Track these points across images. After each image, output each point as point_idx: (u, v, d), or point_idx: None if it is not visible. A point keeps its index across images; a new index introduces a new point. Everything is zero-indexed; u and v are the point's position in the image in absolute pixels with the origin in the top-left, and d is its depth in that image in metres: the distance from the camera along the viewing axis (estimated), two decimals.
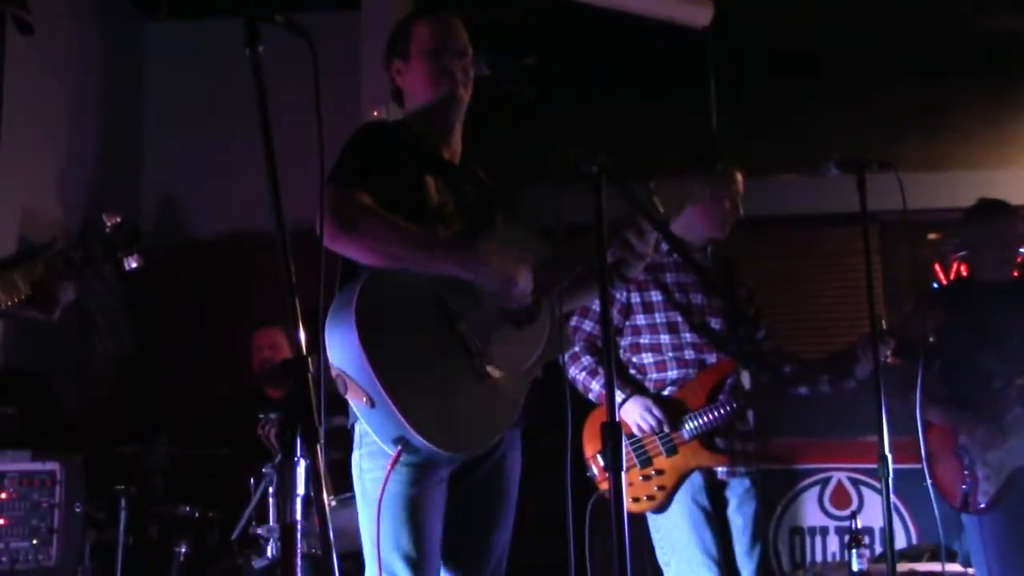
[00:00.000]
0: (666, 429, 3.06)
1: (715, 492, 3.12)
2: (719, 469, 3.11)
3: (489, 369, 2.12)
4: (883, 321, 2.98)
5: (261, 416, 3.74)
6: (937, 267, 5.69)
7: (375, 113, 4.26)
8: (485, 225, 2.32)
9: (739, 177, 3.25)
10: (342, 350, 1.98)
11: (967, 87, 5.80)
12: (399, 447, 2.03)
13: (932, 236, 5.78)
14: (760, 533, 3.15)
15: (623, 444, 3.04)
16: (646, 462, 3.09)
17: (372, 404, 1.98)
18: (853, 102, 5.83)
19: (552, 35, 5.27)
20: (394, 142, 2.28)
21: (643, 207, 2.16)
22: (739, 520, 3.13)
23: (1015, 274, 3.66)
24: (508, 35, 2.41)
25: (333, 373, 2.00)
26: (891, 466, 2.56)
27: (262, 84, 1.47)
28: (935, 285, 5.45)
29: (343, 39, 4.94)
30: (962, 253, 3.90)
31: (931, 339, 3.25)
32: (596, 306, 3.11)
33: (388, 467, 2.07)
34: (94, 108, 5.08)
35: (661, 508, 3.09)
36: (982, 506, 3.46)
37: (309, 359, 1.38)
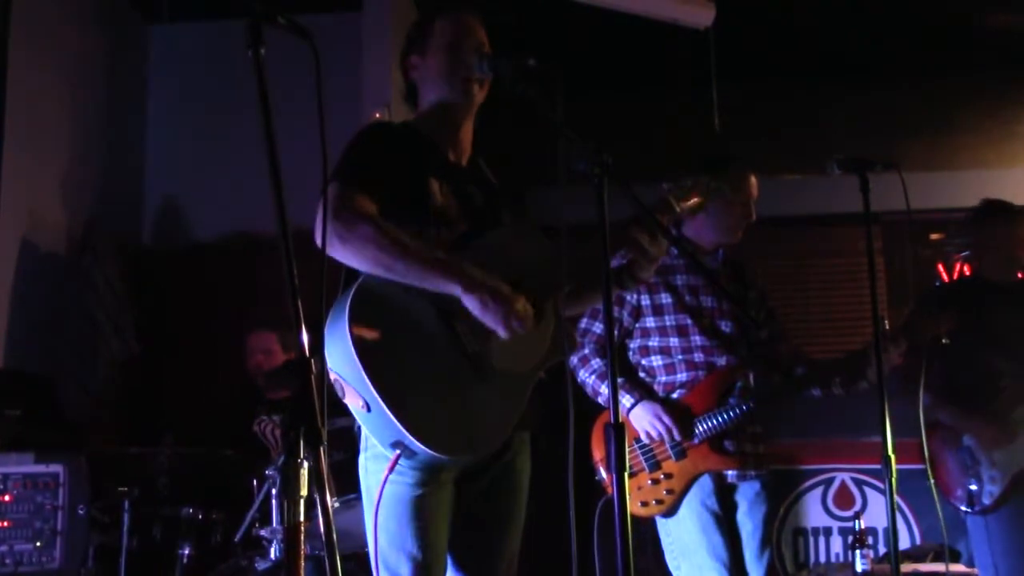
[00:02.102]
0: (676, 436, 3.04)
1: (725, 495, 3.10)
2: (729, 473, 3.09)
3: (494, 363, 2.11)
4: (886, 321, 2.97)
5: (264, 417, 3.74)
6: (940, 267, 5.70)
7: (377, 115, 4.27)
8: (490, 227, 2.30)
9: (752, 181, 3.22)
10: (337, 355, 1.97)
11: (970, 86, 5.80)
12: (397, 451, 2.02)
13: (935, 236, 5.78)
14: (769, 538, 3.13)
15: (632, 448, 3.07)
16: (654, 466, 3.08)
17: (369, 409, 1.97)
18: (855, 102, 5.84)
19: (554, 36, 5.28)
20: (397, 143, 2.26)
21: (649, 209, 2.15)
22: (749, 524, 3.11)
23: (1021, 275, 3.65)
24: (510, 35, 2.41)
25: (331, 377, 2.00)
26: (895, 466, 2.56)
27: (264, 86, 1.47)
28: (938, 284, 5.45)
29: (345, 41, 4.94)
30: (965, 253, 3.90)
31: (944, 341, 3.23)
32: None
33: (386, 471, 2.06)
34: (97, 111, 5.09)
35: (670, 512, 3.08)
36: (987, 506, 3.45)
37: (312, 361, 1.38)
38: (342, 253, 2.06)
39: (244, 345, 4.57)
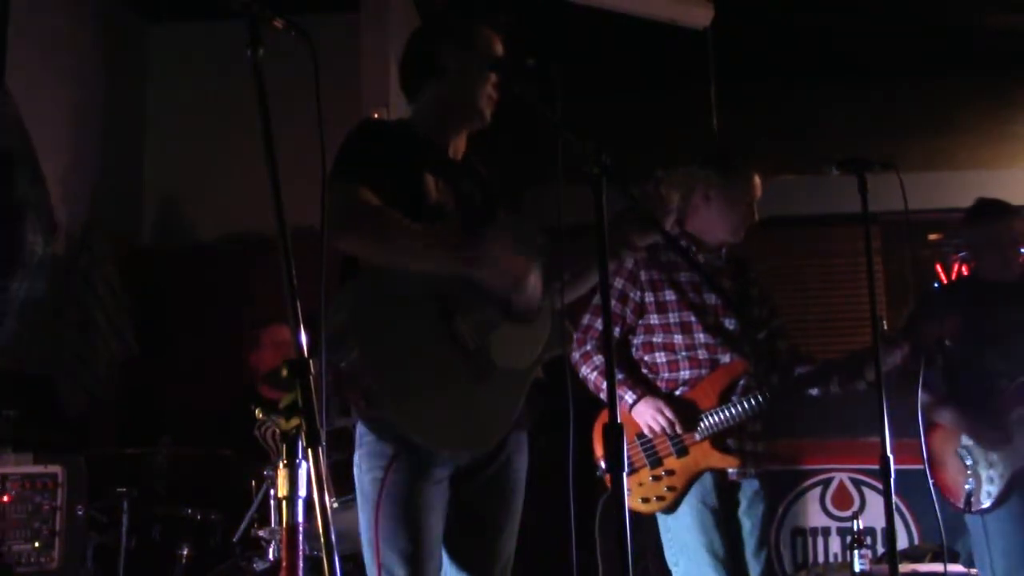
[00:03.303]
0: (678, 431, 3.05)
1: (725, 493, 3.10)
2: (730, 470, 3.10)
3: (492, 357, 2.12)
4: (884, 322, 2.97)
5: (262, 418, 3.73)
6: (938, 267, 5.70)
7: (375, 115, 4.26)
8: (487, 222, 2.31)
9: (757, 181, 3.21)
10: (338, 350, 1.98)
11: (968, 86, 5.80)
12: (397, 446, 2.03)
13: (933, 236, 5.78)
14: (766, 535, 3.14)
15: (634, 444, 3.07)
16: (656, 462, 3.08)
17: (369, 405, 1.98)
18: (854, 102, 5.84)
19: (553, 36, 5.27)
20: (393, 139, 2.27)
21: (645, 210, 2.16)
22: (748, 522, 3.12)
23: (1018, 274, 3.65)
24: (508, 36, 2.41)
25: (332, 374, 2.00)
26: (893, 467, 2.56)
27: (263, 86, 1.47)
28: (937, 285, 5.45)
29: (343, 41, 4.94)
30: (964, 254, 3.90)
31: (947, 343, 3.23)
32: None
33: (386, 468, 2.07)
34: (96, 111, 5.08)
35: (671, 509, 3.08)
36: (985, 506, 3.45)
37: (311, 362, 1.38)
38: (352, 248, 2.07)
39: (258, 339, 4.55)
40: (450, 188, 2.29)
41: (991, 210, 3.66)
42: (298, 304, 1.39)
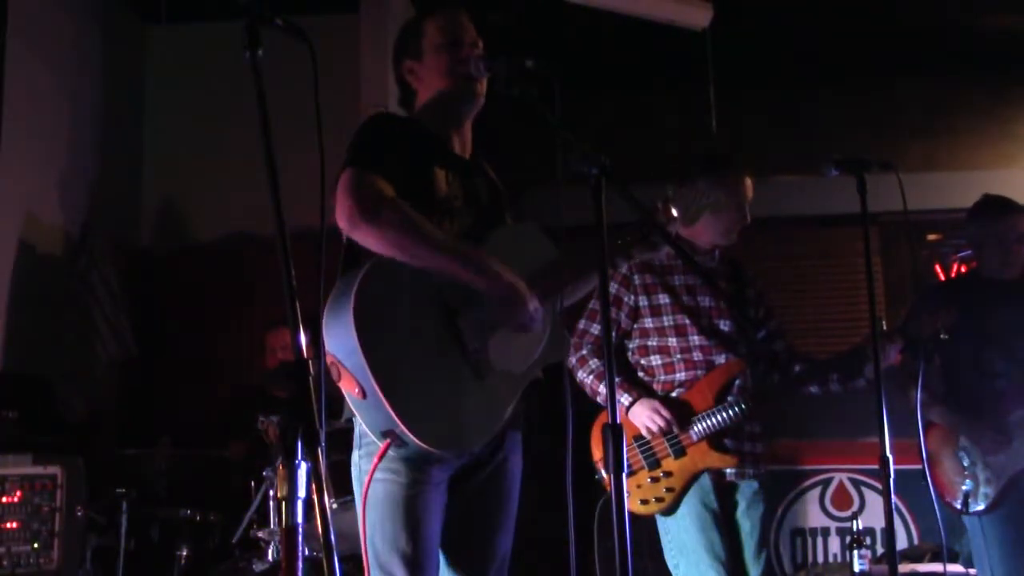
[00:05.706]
0: (675, 430, 3.05)
1: (724, 494, 3.10)
2: (728, 471, 3.09)
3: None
4: (883, 322, 2.97)
5: (262, 419, 3.74)
6: (937, 267, 5.70)
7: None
8: (495, 222, 2.31)
9: (748, 183, 3.21)
10: (337, 338, 1.97)
11: (968, 87, 5.81)
12: (387, 440, 2.02)
13: (932, 237, 5.78)
14: (766, 536, 3.14)
15: (632, 446, 3.07)
16: (654, 464, 3.08)
17: (363, 395, 1.97)
18: (853, 103, 5.84)
19: (552, 36, 5.28)
20: (402, 131, 2.27)
21: (649, 215, 2.16)
22: (747, 523, 3.12)
23: (1019, 272, 3.63)
24: (508, 36, 2.41)
25: (328, 360, 1.99)
26: (892, 467, 2.56)
27: (262, 87, 1.47)
28: (937, 282, 5.44)
29: (342, 42, 4.95)
30: (963, 253, 3.89)
31: (943, 336, 3.22)
32: None
33: (375, 459, 2.06)
34: (95, 112, 5.08)
35: (670, 510, 3.08)
36: (982, 507, 3.45)
37: (310, 362, 1.38)
38: (366, 236, 2.06)
39: (263, 344, 4.55)
40: (459, 182, 2.29)
41: (996, 206, 3.64)
42: (297, 305, 1.39)
